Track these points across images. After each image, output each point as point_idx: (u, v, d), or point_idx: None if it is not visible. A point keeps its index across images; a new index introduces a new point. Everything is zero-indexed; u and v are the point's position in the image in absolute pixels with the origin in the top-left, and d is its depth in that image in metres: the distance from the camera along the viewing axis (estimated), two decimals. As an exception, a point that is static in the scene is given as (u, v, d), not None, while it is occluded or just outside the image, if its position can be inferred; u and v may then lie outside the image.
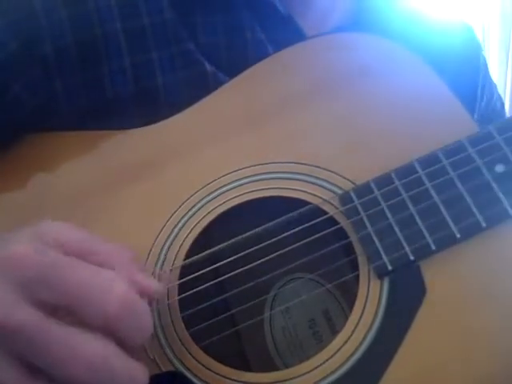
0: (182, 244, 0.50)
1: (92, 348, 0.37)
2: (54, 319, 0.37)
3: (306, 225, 0.48)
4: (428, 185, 0.47)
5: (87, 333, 0.38)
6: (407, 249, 0.46)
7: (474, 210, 0.45)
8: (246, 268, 0.48)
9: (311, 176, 0.50)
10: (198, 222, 0.51)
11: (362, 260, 0.47)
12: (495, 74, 2.13)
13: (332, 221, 0.48)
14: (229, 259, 0.48)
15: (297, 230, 0.48)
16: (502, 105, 0.79)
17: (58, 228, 0.41)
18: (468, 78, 0.71)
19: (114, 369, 0.37)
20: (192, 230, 0.50)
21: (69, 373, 0.37)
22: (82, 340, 0.37)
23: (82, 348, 0.37)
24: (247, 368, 0.48)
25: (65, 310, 0.38)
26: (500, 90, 0.82)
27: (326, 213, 0.49)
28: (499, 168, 0.46)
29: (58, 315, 0.38)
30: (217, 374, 0.46)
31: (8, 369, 0.37)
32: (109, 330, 0.38)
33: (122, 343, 0.39)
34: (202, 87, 0.56)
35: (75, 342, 0.37)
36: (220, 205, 0.51)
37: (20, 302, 0.37)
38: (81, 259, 0.40)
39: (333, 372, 0.44)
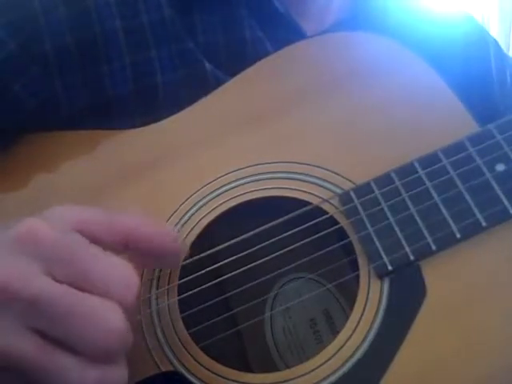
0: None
1: (114, 316, 0.37)
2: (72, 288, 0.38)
3: (306, 225, 0.48)
4: (428, 184, 0.47)
5: (106, 302, 0.38)
6: (407, 249, 0.45)
7: (475, 209, 0.45)
8: (246, 268, 0.48)
9: (311, 176, 0.50)
10: (198, 222, 0.50)
11: (362, 260, 0.47)
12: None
13: (332, 221, 0.48)
14: (229, 259, 0.48)
15: (297, 229, 0.48)
16: None
17: (70, 210, 0.42)
18: (480, 62, 0.69)
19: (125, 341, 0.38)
20: (192, 229, 0.50)
21: (91, 339, 0.37)
22: (102, 307, 0.37)
23: (102, 315, 0.37)
24: (247, 368, 0.48)
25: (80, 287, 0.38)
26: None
27: (326, 213, 0.49)
28: (500, 167, 0.46)
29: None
30: (217, 374, 0.46)
31: (27, 340, 0.37)
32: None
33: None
34: (201, 86, 0.55)
35: (96, 308, 0.37)
36: (220, 205, 0.51)
37: (37, 273, 0.37)
38: (95, 240, 0.40)
39: (333, 372, 0.44)
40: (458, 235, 0.45)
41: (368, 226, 0.47)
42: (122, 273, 0.39)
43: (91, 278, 0.38)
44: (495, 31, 2.19)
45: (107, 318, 0.37)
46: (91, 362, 0.37)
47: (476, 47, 0.70)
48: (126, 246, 0.42)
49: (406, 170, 0.47)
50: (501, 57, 0.73)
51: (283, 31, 0.60)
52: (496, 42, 0.74)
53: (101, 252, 0.39)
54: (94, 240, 0.40)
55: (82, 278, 0.38)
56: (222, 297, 0.48)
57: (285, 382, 0.45)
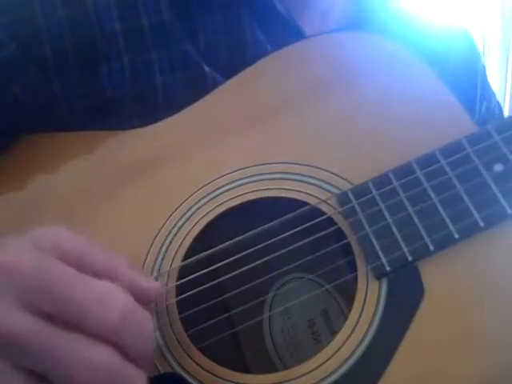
0: (180, 244, 0.50)
1: (96, 355, 0.37)
2: (54, 326, 0.37)
3: (305, 225, 0.48)
4: (426, 185, 0.47)
5: (89, 341, 0.37)
6: (405, 249, 0.45)
7: (473, 209, 0.45)
8: (244, 269, 0.48)
9: (309, 176, 0.50)
10: (197, 223, 0.50)
11: (360, 260, 0.47)
12: (495, 78, 2.12)
13: (330, 221, 0.48)
14: (227, 260, 0.48)
15: (295, 230, 0.48)
16: (501, 111, 0.79)
17: (55, 233, 0.41)
18: (467, 83, 0.71)
19: (117, 377, 0.37)
20: (190, 230, 0.50)
21: (72, 380, 0.36)
22: (85, 347, 0.37)
23: (86, 355, 0.36)
24: (246, 369, 0.48)
25: (63, 319, 0.37)
26: (500, 95, 0.84)
27: (324, 213, 0.49)
28: (498, 167, 0.46)
29: (56, 324, 0.37)
30: (215, 375, 0.46)
31: (13, 377, 0.36)
32: (111, 341, 0.38)
33: (125, 353, 0.39)
34: (200, 88, 0.56)
35: (78, 348, 0.37)
36: (218, 205, 0.51)
37: (17, 310, 0.36)
38: (79, 267, 0.39)
39: (332, 373, 0.44)
40: (456, 235, 0.45)
41: (366, 226, 0.47)
42: (100, 291, 0.38)
43: (71, 303, 0.37)
44: (496, 42, 2.20)
45: (89, 359, 0.36)
46: None
47: (467, 66, 0.71)
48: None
49: (404, 171, 0.48)
50: (485, 81, 0.74)
51: (285, 33, 0.60)
52: (484, 67, 0.75)
53: (78, 275, 0.38)
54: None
55: (62, 305, 0.37)
56: (221, 298, 0.48)
57: (283, 382, 0.45)
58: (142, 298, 0.41)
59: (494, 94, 0.78)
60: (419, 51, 0.53)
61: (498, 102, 0.79)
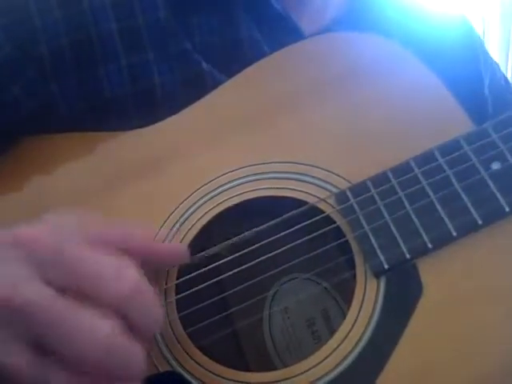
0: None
1: (99, 326, 0.37)
2: (63, 297, 0.37)
3: (303, 224, 0.48)
4: (424, 183, 0.47)
5: (96, 311, 0.38)
6: (404, 247, 0.45)
7: (470, 207, 0.45)
8: (243, 267, 0.48)
9: (308, 175, 0.50)
10: (196, 222, 0.51)
11: (358, 259, 0.47)
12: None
13: (329, 220, 0.48)
14: (227, 259, 0.48)
15: (294, 229, 0.48)
16: (507, 81, 0.78)
17: (70, 216, 0.42)
18: (470, 69, 0.70)
19: (115, 348, 0.38)
20: (190, 229, 0.50)
21: (76, 349, 0.37)
22: (89, 317, 0.37)
23: (88, 326, 0.37)
24: (245, 368, 0.48)
25: (76, 291, 0.38)
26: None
27: (322, 212, 0.49)
28: (495, 165, 0.46)
29: (67, 295, 0.38)
30: (214, 373, 0.46)
31: (18, 352, 0.37)
32: (120, 312, 0.38)
33: (132, 329, 0.39)
34: (199, 87, 0.56)
35: (83, 318, 0.37)
36: (218, 204, 0.51)
37: (30, 279, 0.37)
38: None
39: (331, 371, 0.44)
40: (454, 233, 0.45)
41: (364, 224, 0.47)
42: (113, 268, 0.39)
43: (84, 274, 0.38)
44: (496, 34, 2.19)
45: (94, 328, 0.37)
46: (78, 374, 0.37)
47: (467, 48, 0.71)
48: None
49: (402, 169, 0.48)
50: (487, 59, 0.74)
51: (281, 31, 0.60)
52: (482, 43, 0.75)
53: (94, 250, 0.39)
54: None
55: (75, 277, 0.38)
56: (220, 296, 0.48)
57: (282, 380, 0.45)
58: (161, 261, 0.45)
59: (499, 65, 0.77)
60: (417, 39, 0.53)
61: (504, 74, 0.77)
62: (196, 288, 0.48)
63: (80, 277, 0.38)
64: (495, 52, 2.18)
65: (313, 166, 0.50)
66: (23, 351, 0.37)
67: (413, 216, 0.46)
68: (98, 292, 0.38)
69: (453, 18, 0.72)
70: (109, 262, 0.39)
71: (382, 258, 0.46)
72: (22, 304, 0.36)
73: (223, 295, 0.48)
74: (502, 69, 0.79)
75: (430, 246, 0.45)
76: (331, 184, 0.49)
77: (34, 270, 0.38)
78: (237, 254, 0.48)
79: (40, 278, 0.38)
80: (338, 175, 0.50)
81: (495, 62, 0.76)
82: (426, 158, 0.47)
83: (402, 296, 0.45)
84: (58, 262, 0.38)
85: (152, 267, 0.46)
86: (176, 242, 0.50)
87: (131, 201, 0.52)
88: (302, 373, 0.45)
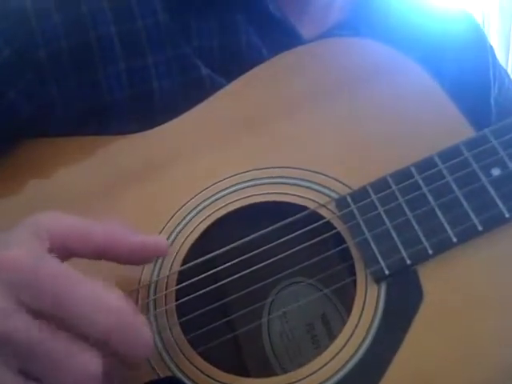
0: (179, 248, 0.50)
1: (86, 357, 0.36)
2: (46, 325, 0.37)
3: (303, 230, 0.48)
4: (424, 189, 0.47)
5: (76, 343, 0.37)
6: (404, 253, 0.46)
7: (471, 213, 0.45)
8: (243, 273, 0.48)
9: (308, 181, 0.50)
10: (196, 227, 0.51)
11: (359, 265, 0.47)
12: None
13: (329, 226, 0.48)
14: (226, 264, 0.48)
15: (294, 235, 0.48)
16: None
17: (50, 219, 0.41)
18: (476, 64, 0.70)
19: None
20: (190, 234, 0.50)
21: (58, 380, 0.36)
22: (76, 348, 0.37)
23: (77, 356, 0.36)
24: (245, 373, 0.48)
25: (54, 319, 0.37)
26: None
27: (322, 218, 0.49)
28: (495, 172, 0.46)
29: (47, 322, 0.37)
30: (214, 379, 0.46)
31: (4, 375, 0.36)
32: (104, 345, 0.37)
33: (120, 357, 0.38)
34: (198, 91, 0.56)
35: (70, 350, 0.36)
36: (218, 209, 0.51)
37: (11, 308, 0.36)
38: (78, 249, 0.40)
39: (332, 376, 0.44)
40: (455, 239, 0.45)
41: (365, 230, 0.47)
42: (93, 294, 0.38)
43: (69, 306, 0.37)
44: (495, 29, 2.19)
45: (80, 361, 0.36)
46: None
47: (474, 46, 0.70)
48: (101, 256, 0.42)
49: (403, 175, 0.48)
50: (495, 62, 0.73)
51: (280, 36, 0.59)
52: (492, 47, 0.74)
53: (72, 276, 0.38)
54: (69, 251, 0.40)
55: (59, 307, 0.37)
56: (220, 302, 0.48)
57: None
58: (148, 255, 0.43)
59: (507, 72, 0.76)
60: (421, 42, 0.53)
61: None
62: (196, 293, 0.48)
63: (59, 307, 0.37)
64: (495, 48, 2.17)
65: (313, 171, 0.50)
66: (10, 375, 0.36)
67: (413, 222, 0.46)
68: (77, 325, 0.37)
69: (458, 16, 0.71)
70: (86, 290, 0.37)
71: (382, 263, 0.46)
72: (4, 335, 0.36)
73: (223, 301, 0.48)
74: (503, 63, 0.78)
75: (430, 251, 0.45)
76: (331, 189, 0.49)
77: (12, 296, 0.37)
78: (237, 260, 0.48)
79: (18, 303, 0.36)
80: (338, 180, 0.50)
81: (503, 69, 0.76)
82: (427, 164, 0.47)
83: (403, 302, 0.45)
84: (35, 287, 0.37)
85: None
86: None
87: (132, 204, 0.52)
88: (303, 378, 0.45)
